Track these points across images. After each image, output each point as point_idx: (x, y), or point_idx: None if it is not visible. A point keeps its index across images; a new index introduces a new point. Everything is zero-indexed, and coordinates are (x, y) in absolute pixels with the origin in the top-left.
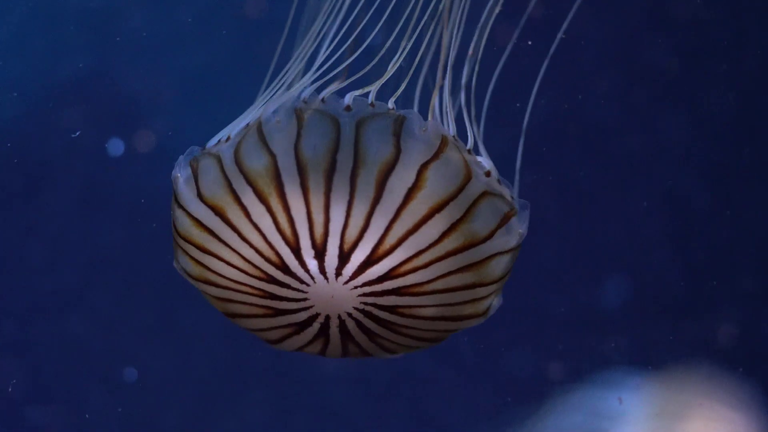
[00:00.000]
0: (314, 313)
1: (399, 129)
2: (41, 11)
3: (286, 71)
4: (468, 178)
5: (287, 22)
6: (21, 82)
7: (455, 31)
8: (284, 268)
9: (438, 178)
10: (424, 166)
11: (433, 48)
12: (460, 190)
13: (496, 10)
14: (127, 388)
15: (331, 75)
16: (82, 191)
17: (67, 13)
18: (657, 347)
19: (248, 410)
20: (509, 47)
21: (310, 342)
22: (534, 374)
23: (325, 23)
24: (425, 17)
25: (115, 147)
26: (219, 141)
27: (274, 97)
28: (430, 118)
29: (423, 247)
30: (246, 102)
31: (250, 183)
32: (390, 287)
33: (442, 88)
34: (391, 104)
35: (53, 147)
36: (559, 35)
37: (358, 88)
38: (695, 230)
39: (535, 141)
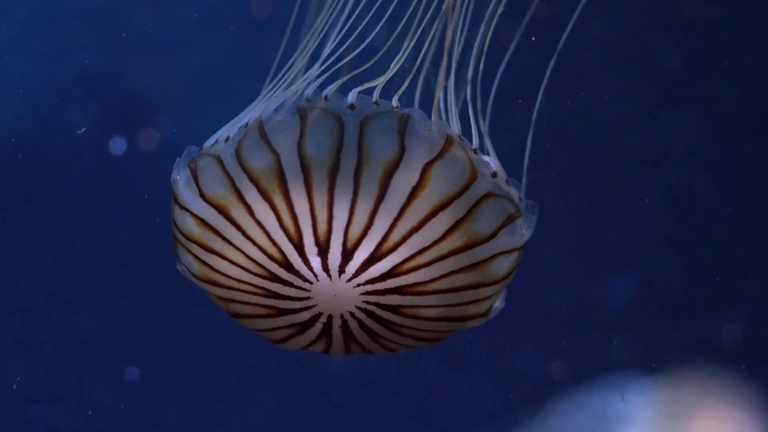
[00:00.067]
0: (317, 312)
1: (403, 128)
2: (46, 8)
3: (287, 70)
4: (473, 177)
5: (292, 20)
6: (26, 78)
7: (459, 29)
8: (287, 265)
9: (442, 177)
10: (428, 165)
11: (435, 46)
12: (465, 189)
13: (499, 10)
14: (131, 386)
15: (332, 71)
16: (87, 189)
17: (73, 10)
18: (660, 346)
19: (251, 409)
20: (512, 46)
21: (314, 342)
22: (537, 373)
23: (327, 21)
24: (428, 15)
25: (120, 144)
26: (217, 141)
27: (274, 95)
28: (434, 117)
29: (426, 244)
30: (250, 100)
31: (253, 181)
32: (393, 285)
33: (445, 86)
34: (395, 102)
35: (58, 144)
36: (565, 35)
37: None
38: (699, 229)
39: (538, 139)
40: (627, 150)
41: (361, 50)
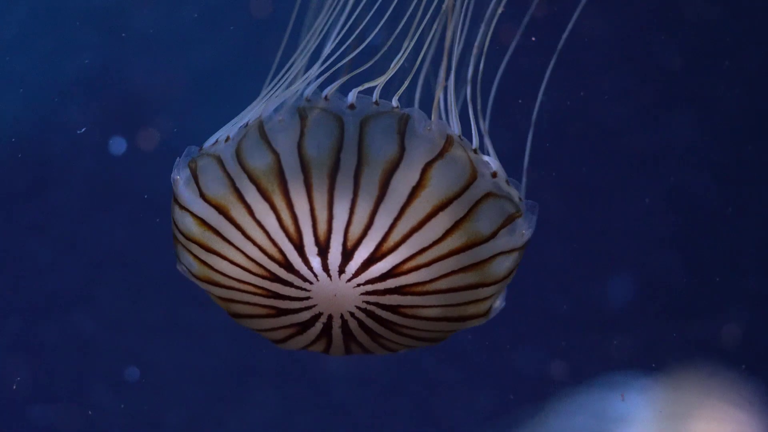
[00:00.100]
0: (317, 312)
1: (403, 128)
2: (46, 8)
3: (287, 70)
4: (473, 177)
5: (292, 20)
6: (26, 78)
7: (459, 29)
8: (288, 265)
9: (442, 177)
10: (428, 165)
11: (435, 46)
12: (465, 189)
13: (499, 10)
14: (131, 386)
15: (332, 71)
16: (87, 189)
17: (73, 10)
18: (660, 346)
19: (251, 409)
20: (512, 46)
21: (314, 342)
22: (537, 373)
23: (327, 21)
24: (428, 15)
25: (120, 144)
26: (217, 141)
27: (274, 95)
28: (434, 117)
29: (426, 244)
30: (250, 100)
31: (253, 181)
32: (392, 285)
33: (445, 86)
34: (395, 102)
35: (58, 144)
36: (565, 35)
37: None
38: (699, 229)
39: (538, 139)
40: (627, 150)
41: (361, 50)
